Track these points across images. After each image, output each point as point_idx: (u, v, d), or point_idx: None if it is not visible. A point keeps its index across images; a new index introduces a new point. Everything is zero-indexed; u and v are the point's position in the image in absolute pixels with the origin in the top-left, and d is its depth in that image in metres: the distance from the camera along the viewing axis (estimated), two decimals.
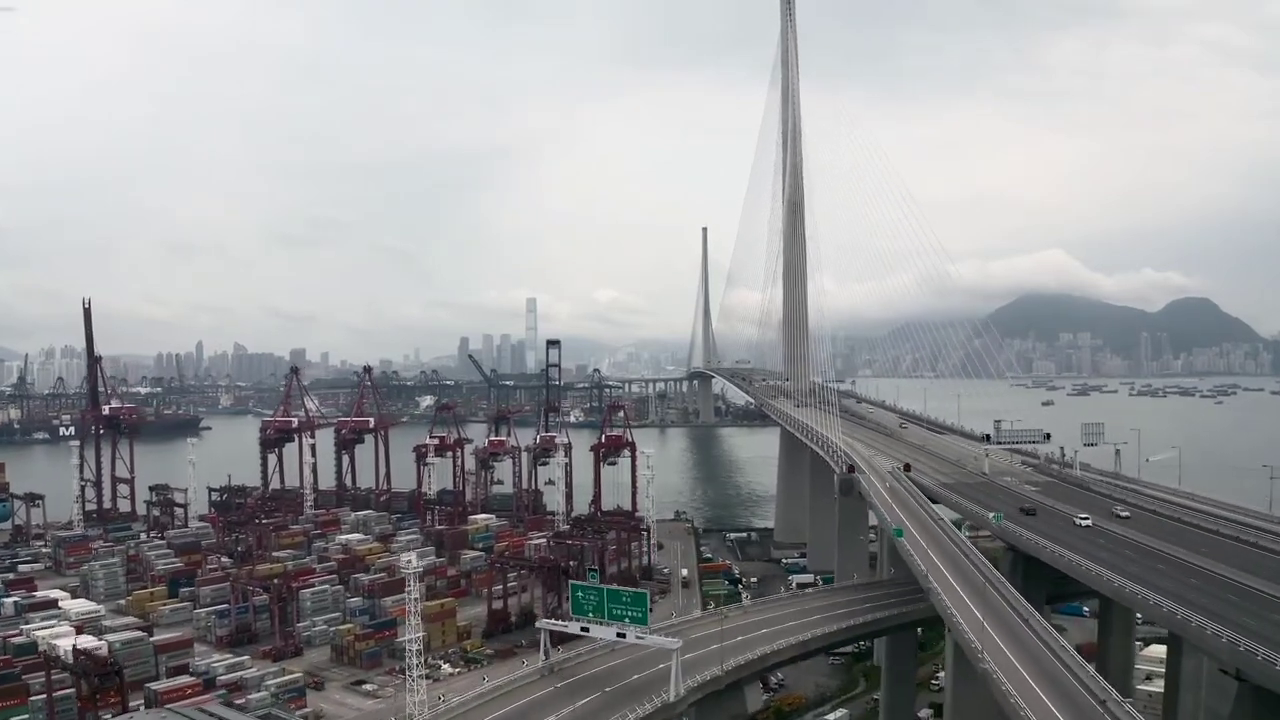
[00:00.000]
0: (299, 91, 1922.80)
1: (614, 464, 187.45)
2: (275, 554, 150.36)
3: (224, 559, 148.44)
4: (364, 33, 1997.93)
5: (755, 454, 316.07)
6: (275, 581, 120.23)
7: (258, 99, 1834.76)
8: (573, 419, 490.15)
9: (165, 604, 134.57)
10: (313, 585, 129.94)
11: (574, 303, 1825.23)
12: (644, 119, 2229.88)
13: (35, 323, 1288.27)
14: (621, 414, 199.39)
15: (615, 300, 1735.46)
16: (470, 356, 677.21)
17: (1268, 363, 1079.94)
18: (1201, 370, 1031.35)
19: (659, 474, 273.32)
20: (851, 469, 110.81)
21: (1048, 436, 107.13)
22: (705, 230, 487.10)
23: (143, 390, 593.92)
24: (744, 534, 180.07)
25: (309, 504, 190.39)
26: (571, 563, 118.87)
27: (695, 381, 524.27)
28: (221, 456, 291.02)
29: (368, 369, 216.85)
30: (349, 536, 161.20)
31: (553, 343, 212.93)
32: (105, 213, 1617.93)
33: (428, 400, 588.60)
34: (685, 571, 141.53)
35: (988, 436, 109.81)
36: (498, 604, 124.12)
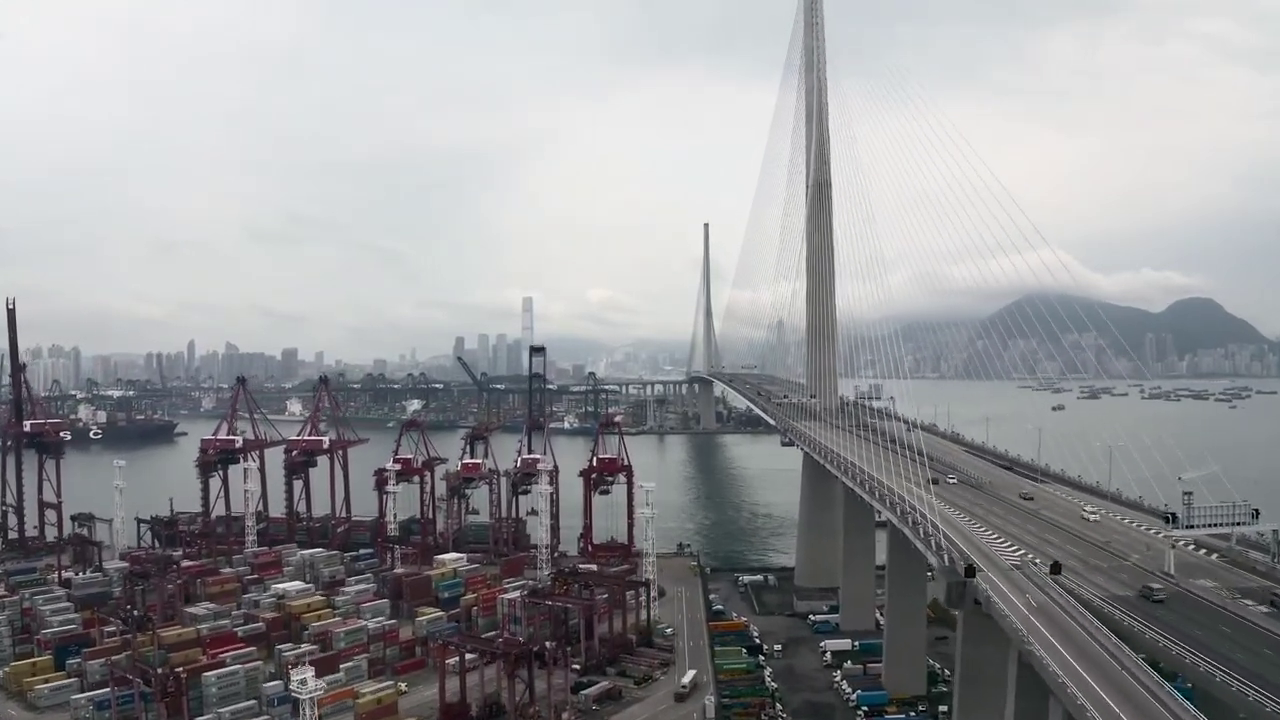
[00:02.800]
0: (290, 89, 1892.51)
1: (606, 493, 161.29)
2: (194, 610, 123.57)
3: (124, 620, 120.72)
4: (356, 28, 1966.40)
5: (762, 466, 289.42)
6: (159, 670, 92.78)
7: (249, 97, 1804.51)
8: (566, 425, 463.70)
9: (48, 681, 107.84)
10: (224, 661, 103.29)
11: (570, 303, 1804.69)
12: (640, 117, 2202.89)
13: (24, 321, 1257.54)
14: (615, 430, 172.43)
15: (612, 300, 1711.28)
16: (460, 359, 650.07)
17: (1274, 364, 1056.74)
18: (1207, 372, 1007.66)
19: (657, 491, 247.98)
20: (971, 571, 68.60)
21: (1256, 514, 72.28)
22: (706, 227, 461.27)
23: (115, 394, 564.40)
24: (759, 576, 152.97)
25: (251, 539, 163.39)
26: (548, 643, 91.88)
27: (696, 385, 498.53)
28: (182, 472, 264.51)
29: (324, 379, 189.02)
30: (287, 585, 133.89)
31: (537, 349, 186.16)
32: (98, 211, 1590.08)
33: (415, 405, 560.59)
34: (689, 676, 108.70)
35: (1173, 517, 74.13)
36: (454, 684, 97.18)
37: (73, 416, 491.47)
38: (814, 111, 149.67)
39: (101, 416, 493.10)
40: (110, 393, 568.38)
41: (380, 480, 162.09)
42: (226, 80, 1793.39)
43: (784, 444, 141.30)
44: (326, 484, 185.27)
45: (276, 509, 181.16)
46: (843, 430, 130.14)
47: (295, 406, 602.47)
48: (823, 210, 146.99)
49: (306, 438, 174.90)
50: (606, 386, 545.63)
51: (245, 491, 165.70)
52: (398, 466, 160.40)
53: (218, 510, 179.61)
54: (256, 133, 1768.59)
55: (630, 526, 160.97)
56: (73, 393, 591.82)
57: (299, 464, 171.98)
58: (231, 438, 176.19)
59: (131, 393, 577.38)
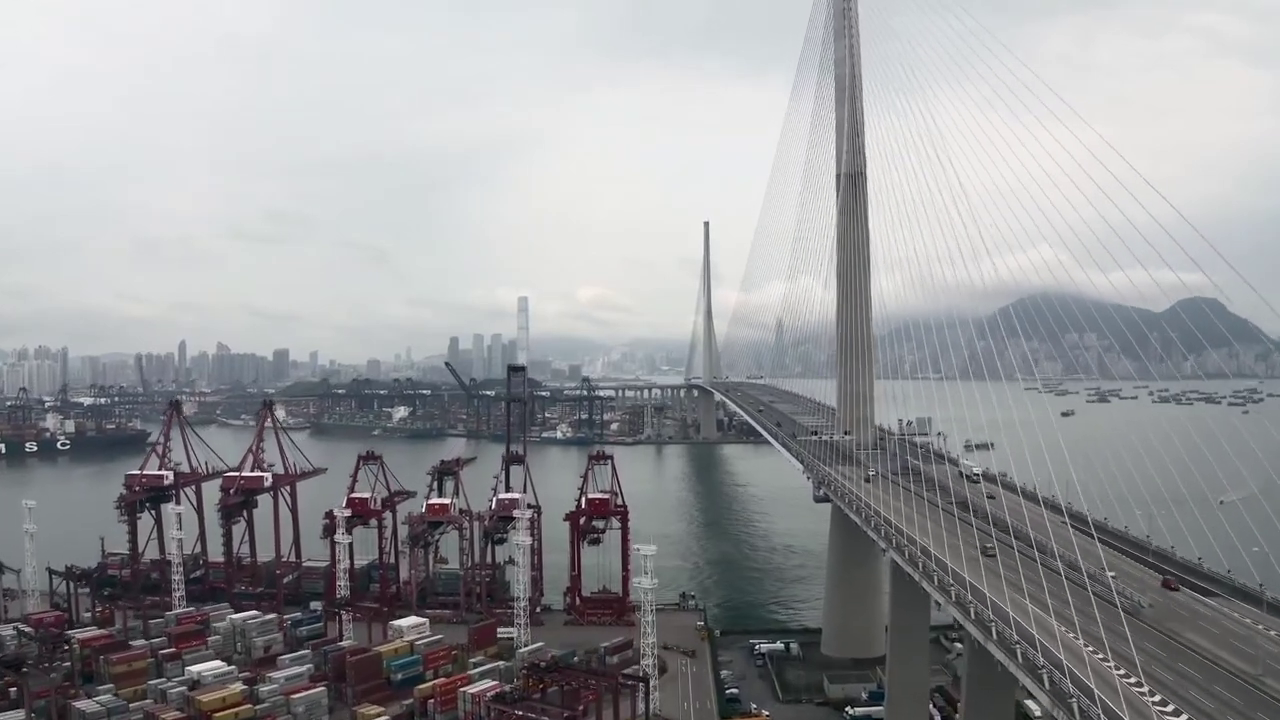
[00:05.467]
0: (275, 87, 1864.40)
1: (597, 542, 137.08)
2: (85, 706, 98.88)
3: None
4: (343, 26, 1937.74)
5: (770, 484, 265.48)
6: None
7: (232, 95, 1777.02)
8: (559, 435, 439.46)
9: None
10: None
11: (565, 302, 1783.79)
12: (630, 116, 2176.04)
13: (11, 322, 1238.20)
14: (609, 464, 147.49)
15: (606, 299, 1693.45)
16: (447, 364, 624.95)
17: (1278, 365, 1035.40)
18: (1212, 372, 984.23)
19: (656, 519, 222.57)
20: None
21: None
22: (707, 225, 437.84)
23: (86, 401, 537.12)
24: (778, 644, 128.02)
25: (179, 594, 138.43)
26: None
27: (695, 390, 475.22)
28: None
29: (268, 403, 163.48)
30: (203, 667, 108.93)
31: (516, 369, 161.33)
32: (81, 209, 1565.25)
33: (401, 412, 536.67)
34: None
35: None
36: None
37: (40, 426, 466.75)
38: (846, 87, 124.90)
39: (70, 426, 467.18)
40: (81, 399, 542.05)
41: (328, 527, 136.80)
42: (209, 78, 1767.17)
43: (818, 499, 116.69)
44: (279, 522, 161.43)
45: (219, 549, 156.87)
46: (889, 480, 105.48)
47: (280, 413, 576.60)
48: (858, 206, 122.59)
49: (246, 474, 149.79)
50: (601, 393, 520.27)
51: (175, 540, 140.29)
52: (348, 512, 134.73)
53: (154, 550, 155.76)
54: (240, 131, 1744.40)
55: (625, 580, 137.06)
56: (44, 399, 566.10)
57: (235, 505, 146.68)
58: (160, 473, 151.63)
59: (104, 400, 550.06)
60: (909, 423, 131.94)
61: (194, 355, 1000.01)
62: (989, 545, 78.45)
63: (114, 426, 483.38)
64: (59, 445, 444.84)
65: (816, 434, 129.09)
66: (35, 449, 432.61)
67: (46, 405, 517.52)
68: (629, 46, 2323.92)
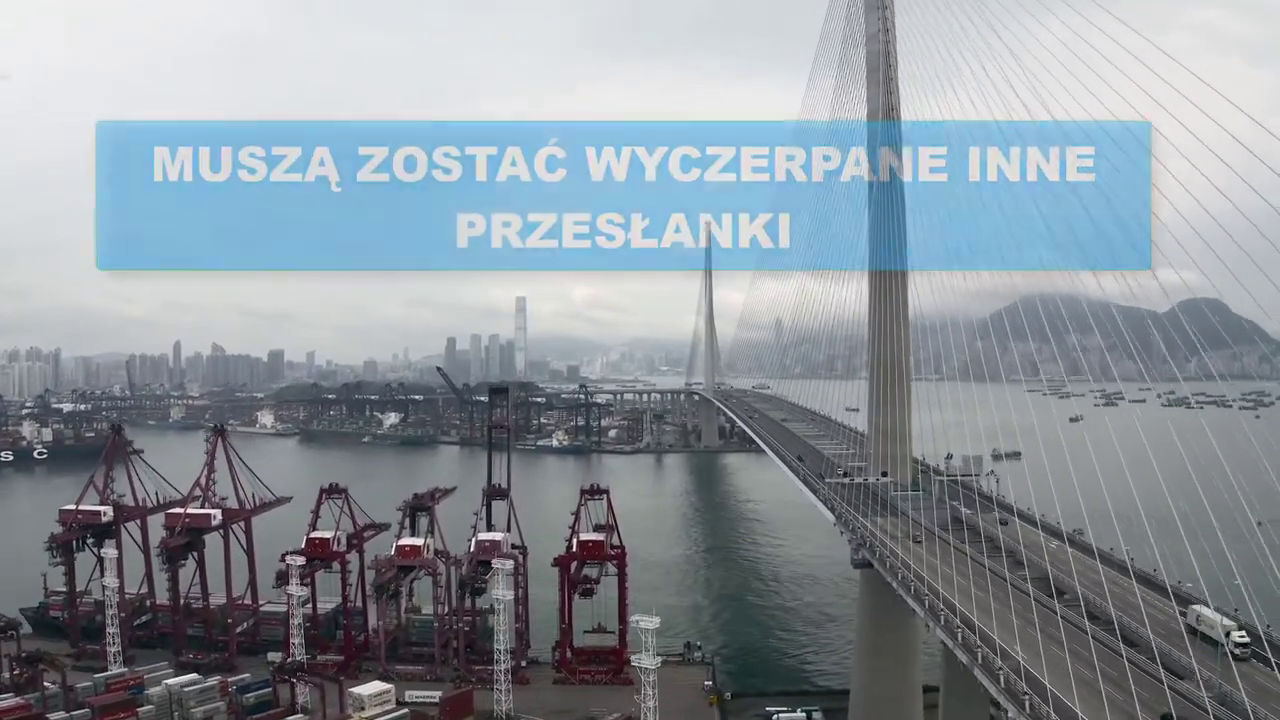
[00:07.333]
0: (273, 86, 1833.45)
1: (590, 593, 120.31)
2: None
3: None
4: (335, 25, 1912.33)
5: (776, 500, 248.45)
6: None
7: (232, 94, 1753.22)
8: (555, 444, 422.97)
9: None
10: None
11: (563, 301, 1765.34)
12: (625, 114, 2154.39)
13: (10, 322, 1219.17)
14: (604, 498, 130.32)
15: (604, 299, 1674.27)
16: (439, 369, 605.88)
17: None
18: (1216, 374, 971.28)
19: (656, 543, 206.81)
20: None
21: None
22: (709, 224, 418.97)
23: (65, 407, 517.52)
24: (799, 712, 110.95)
25: (114, 649, 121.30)
26: None
27: (695, 395, 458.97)
28: None
29: (220, 429, 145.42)
30: None
31: (498, 390, 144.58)
32: (81, 209, 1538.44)
33: (392, 418, 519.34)
34: None
35: None
36: None
37: (17, 433, 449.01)
38: (879, 68, 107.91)
39: (47, 434, 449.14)
40: (61, 405, 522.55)
41: (281, 576, 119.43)
42: (209, 78, 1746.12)
43: (856, 564, 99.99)
44: (240, 558, 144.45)
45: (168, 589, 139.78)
46: (952, 545, 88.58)
47: (267, 418, 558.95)
48: (892, 206, 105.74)
49: (192, 510, 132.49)
50: (598, 399, 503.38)
51: (111, 588, 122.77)
52: (300, 560, 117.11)
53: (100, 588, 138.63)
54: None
55: (623, 634, 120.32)
56: (25, 403, 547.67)
57: (178, 548, 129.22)
58: (98, 509, 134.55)
59: (84, 406, 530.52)
60: (949, 456, 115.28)
61: (189, 356, 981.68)
62: None
63: (93, 435, 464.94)
64: (36, 455, 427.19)
65: (848, 475, 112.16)
66: (11, 459, 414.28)
67: (24, 411, 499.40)
68: (629, 46, 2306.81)
